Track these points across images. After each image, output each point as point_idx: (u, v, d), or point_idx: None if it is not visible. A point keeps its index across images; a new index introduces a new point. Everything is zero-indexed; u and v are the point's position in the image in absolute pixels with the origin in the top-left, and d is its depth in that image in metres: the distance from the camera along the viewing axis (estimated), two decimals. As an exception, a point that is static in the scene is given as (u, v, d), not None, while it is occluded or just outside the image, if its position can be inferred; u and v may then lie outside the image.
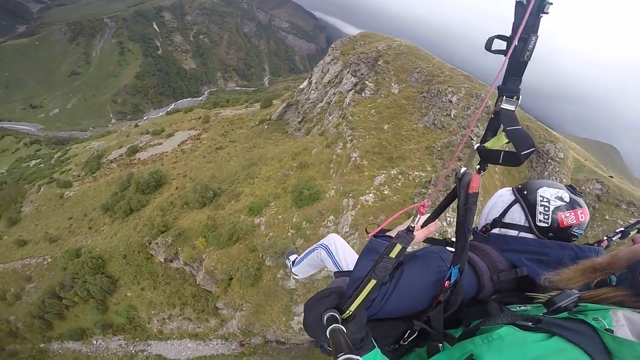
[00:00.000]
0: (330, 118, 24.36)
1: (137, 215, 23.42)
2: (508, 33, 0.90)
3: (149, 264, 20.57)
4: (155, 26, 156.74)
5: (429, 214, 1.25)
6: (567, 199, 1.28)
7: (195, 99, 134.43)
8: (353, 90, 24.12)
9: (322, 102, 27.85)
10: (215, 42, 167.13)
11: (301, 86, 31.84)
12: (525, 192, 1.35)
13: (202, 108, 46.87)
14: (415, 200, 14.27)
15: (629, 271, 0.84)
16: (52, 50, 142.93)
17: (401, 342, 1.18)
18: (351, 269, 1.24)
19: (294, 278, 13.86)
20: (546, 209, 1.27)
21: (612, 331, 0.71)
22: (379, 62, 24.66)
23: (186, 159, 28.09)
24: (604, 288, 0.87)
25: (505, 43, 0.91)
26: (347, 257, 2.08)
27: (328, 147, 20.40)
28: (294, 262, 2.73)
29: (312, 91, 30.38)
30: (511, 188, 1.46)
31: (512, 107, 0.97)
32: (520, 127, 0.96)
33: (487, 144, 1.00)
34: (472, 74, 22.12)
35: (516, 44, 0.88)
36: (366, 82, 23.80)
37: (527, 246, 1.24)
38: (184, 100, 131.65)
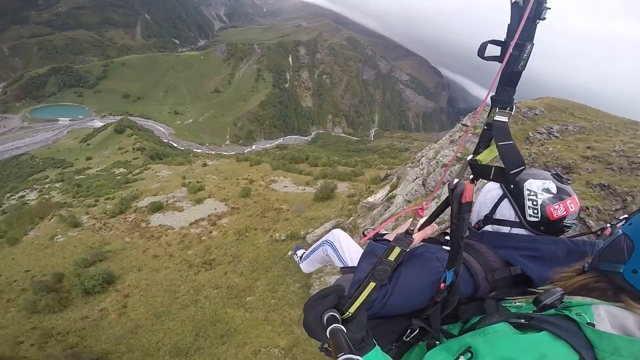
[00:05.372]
0: None
1: (52, 319, 12.63)
2: (501, 38, 0.84)
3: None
4: (290, 59, 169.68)
5: (426, 217, 1.26)
6: (554, 190, 1.26)
7: (302, 137, 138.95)
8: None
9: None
10: (335, 84, 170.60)
11: (370, 198, 13.60)
12: (512, 186, 1.32)
13: (270, 163, 38.31)
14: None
15: (593, 256, 0.95)
16: (210, 66, 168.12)
17: (404, 338, 1.22)
18: (356, 264, 1.33)
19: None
20: (534, 203, 1.25)
21: (593, 325, 0.78)
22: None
23: (168, 259, 18.39)
24: (578, 277, 0.97)
25: (499, 49, 0.84)
26: (352, 252, 2.08)
27: None
28: (301, 257, 2.73)
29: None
30: None
31: (504, 119, 0.91)
32: (511, 142, 0.91)
33: (480, 157, 0.96)
34: None
35: (511, 51, 0.81)
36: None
37: (520, 242, 1.24)
38: (293, 136, 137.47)
